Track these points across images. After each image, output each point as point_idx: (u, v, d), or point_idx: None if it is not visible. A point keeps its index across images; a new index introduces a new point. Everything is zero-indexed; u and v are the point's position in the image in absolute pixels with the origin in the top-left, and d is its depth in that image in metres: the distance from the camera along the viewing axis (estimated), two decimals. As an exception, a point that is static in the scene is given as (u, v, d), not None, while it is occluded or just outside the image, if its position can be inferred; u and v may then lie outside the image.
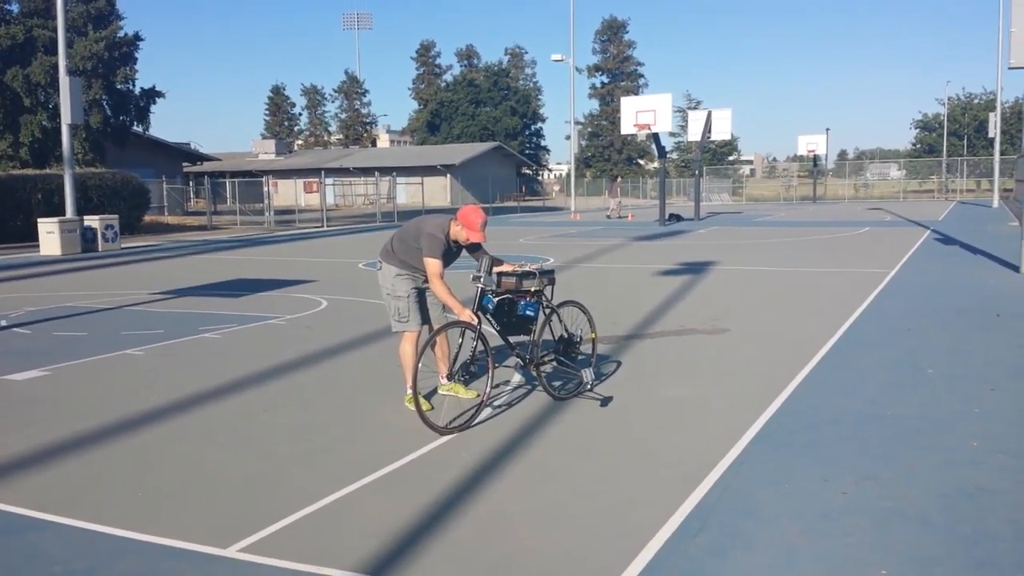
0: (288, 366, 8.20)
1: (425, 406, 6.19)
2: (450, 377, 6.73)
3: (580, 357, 7.07)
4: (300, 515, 4.51)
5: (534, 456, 5.46)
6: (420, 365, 6.03)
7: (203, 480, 5.10)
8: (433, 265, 6.28)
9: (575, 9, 50.76)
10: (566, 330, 6.96)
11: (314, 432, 6.06)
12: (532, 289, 6.59)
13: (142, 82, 65.64)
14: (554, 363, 6.92)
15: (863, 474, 5.02)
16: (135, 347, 9.21)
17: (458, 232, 6.42)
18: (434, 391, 6.92)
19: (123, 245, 25.08)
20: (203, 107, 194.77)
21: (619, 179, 46.86)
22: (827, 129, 60.85)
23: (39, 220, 23.45)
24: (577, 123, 79.91)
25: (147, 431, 6.13)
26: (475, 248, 6.54)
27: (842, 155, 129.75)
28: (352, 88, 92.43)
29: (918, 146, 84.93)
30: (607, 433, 5.96)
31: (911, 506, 4.54)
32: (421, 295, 6.65)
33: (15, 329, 10.58)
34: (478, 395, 6.61)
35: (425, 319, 6.71)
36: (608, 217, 39.29)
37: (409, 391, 6.49)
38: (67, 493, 4.91)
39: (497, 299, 6.49)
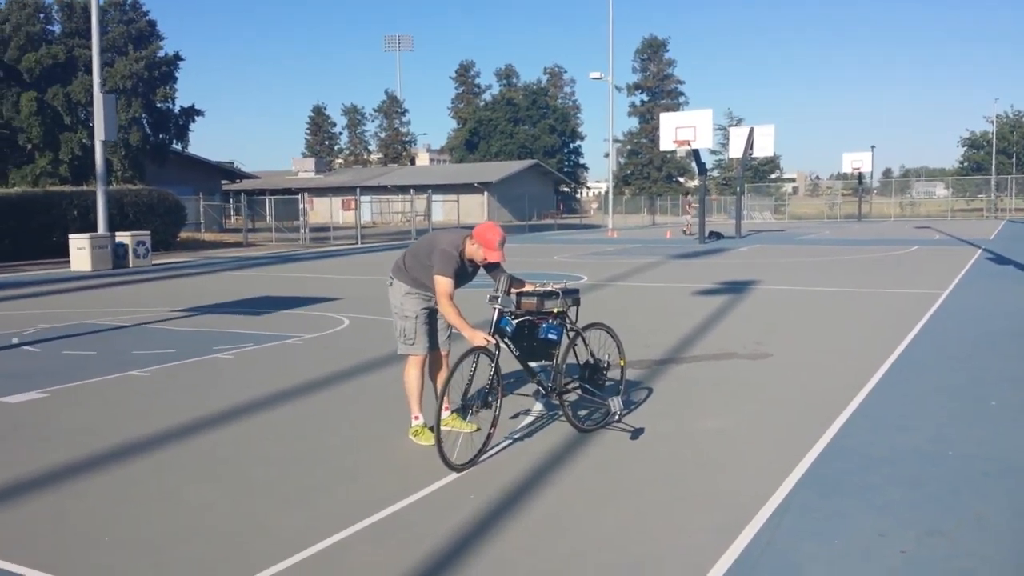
0: (296, 390, 7.70)
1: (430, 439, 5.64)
2: (466, 407, 6.09)
3: (607, 384, 6.49)
4: (286, 564, 3.99)
5: (552, 499, 4.88)
6: (422, 392, 5.48)
7: (184, 521, 4.59)
8: (443, 283, 5.74)
9: (614, 28, 50.29)
10: (592, 355, 6.38)
11: (314, 466, 5.54)
12: (554, 310, 6.03)
13: (183, 101, 66.23)
14: (579, 391, 6.34)
15: (926, 527, 4.38)
16: (143, 367, 8.79)
17: (474, 251, 5.87)
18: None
19: (155, 261, 24.94)
20: (246, 126, 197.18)
21: (689, 195, 45.87)
22: (872, 147, 59.81)
23: (70, 236, 23.38)
24: (616, 141, 79.44)
25: (133, 462, 5.65)
26: (493, 267, 5.99)
27: (887, 173, 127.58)
28: (392, 108, 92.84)
29: (965, 164, 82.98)
30: (635, 472, 5.36)
31: (985, 568, 3.89)
32: (431, 317, 6.11)
33: (25, 347, 10.23)
34: (478, 428, 6.02)
35: (433, 344, 6.17)
36: (684, 233, 38.69)
37: (414, 422, 5.98)
38: (26, 534, 4.42)
39: (516, 321, 5.92)
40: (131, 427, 6.48)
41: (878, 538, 4.25)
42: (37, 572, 3.95)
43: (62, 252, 24.06)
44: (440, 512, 4.67)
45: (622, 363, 6.80)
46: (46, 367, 9.00)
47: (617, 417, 6.14)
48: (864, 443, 5.87)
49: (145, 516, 4.67)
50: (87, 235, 23.14)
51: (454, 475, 5.26)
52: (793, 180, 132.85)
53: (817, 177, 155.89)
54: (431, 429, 5.62)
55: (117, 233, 24.19)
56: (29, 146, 35.84)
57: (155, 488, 5.13)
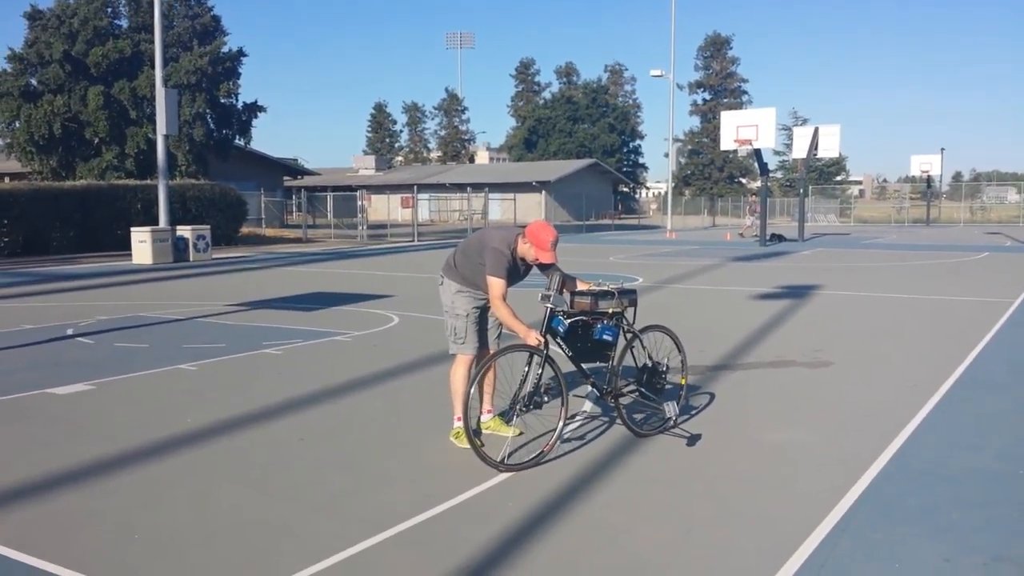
0: (340, 388, 7.60)
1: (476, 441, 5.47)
2: (511, 409, 5.92)
3: (667, 388, 6.24)
4: (311, 571, 3.85)
5: (594, 511, 4.67)
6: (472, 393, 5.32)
7: (212, 523, 4.48)
8: (497, 285, 5.57)
9: (677, 25, 49.70)
10: (650, 358, 6.15)
11: (349, 469, 5.40)
12: (610, 311, 5.83)
13: (246, 96, 67.02)
14: (635, 395, 6.12)
15: (994, 553, 4.07)
16: (191, 361, 8.78)
17: (526, 250, 5.70)
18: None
19: (215, 256, 25.23)
20: (309, 123, 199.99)
21: (754, 197, 44.81)
22: (942, 149, 58.11)
23: (132, 229, 23.75)
24: (677, 140, 78.42)
25: (169, 459, 5.58)
26: (547, 266, 5.80)
27: (957, 177, 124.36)
28: (452, 105, 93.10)
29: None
30: (686, 485, 5.12)
31: (1062, 603, 3.58)
32: (483, 315, 5.95)
33: (79, 339, 10.32)
34: (521, 432, 5.85)
35: (483, 343, 6.01)
36: (741, 236, 37.96)
37: (456, 424, 5.80)
38: (57, 531, 4.35)
39: (569, 321, 5.73)
40: (170, 423, 6.42)
41: (943, 563, 3.96)
42: (67, 571, 3.87)
43: (125, 245, 24.48)
44: (475, 520, 4.49)
45: (683, 381, 6.58)
46: (97, 359, 9.05)
47: (673, 423, 5.93)
48: (928, 461, 5.54)
49: (175, 516, 4.57)
50: (148, 228, 23.49)
51: (492, 481, 5.07)
52: (859, 183, 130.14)
53: (884, 180, 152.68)
54: (475, 431, 5.45)
55: (178, 227, 24.52)
56: (96, 140, 36.60)
57: (188, 487, 5.03)
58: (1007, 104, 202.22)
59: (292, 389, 7.55)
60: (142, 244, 23.01)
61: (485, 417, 6.06)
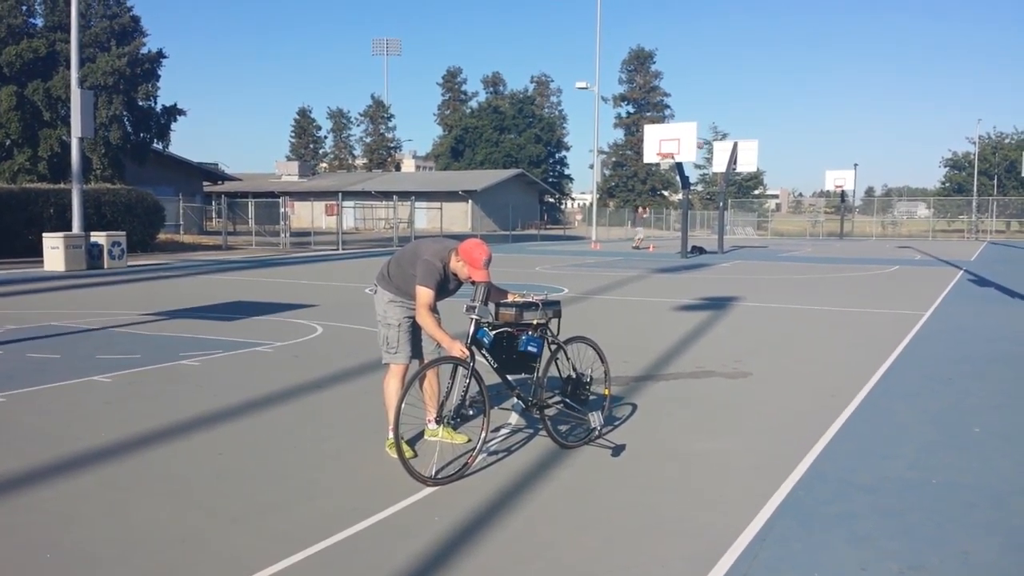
0: (262, 401, 7.44)
1: (408, 453, 5.43)
2: (439, 420, 5.94)
3: (591, 399, 6.28)
4: (231, 591, 3.75)
5: (522, 522, 4.66)
6: (405, 405, 5.26)
7: (127, 540, 4.33)
8: (424, 295, 5.57)
9: (602, 38, 50.30)
10: (574, 369, 6.19)
11: (270, 483, 5.29)
12: (534, 322, 5.84)
13: (165, 99, 65.05)
14: (560, 406, 6.15)
15: (909, 561, 4.19)
16: (105, 373, 8.50)
17: (459, 268, 5.71)
18: (421, 435, 6.16)
19: (131, 263, 24.55)
20: (230, 127, 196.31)
21: (639, 208, 46.09)
22: (855, 165, 59.91)
23: (44, 235, 22.95)
24: (601, 152, 79.47)
25: (84, 474, 5.39)
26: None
27: (869, 192, 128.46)
28: (378, 112, 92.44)
29: (947, 185, 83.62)
30: (611, 495, 5.15)
31: (972, 608, 3.71)
32: (415, 325, 5.93)
33: (-14, 349, 9.92)
34: (470, 439, 5.88)
35: (417, 353, 5.98)
36: (634, 248, 38.57)
37: (391, 434, 5.74)
38: (-38, 553, 4.16)
39: (494, 332, 5.73)
40: (84, 436, 6.21)
41: (859, 572, 4.05)
42: (-35, 594, 3.70)
43: (37, 251, 23.62)
44: (400, 535, 4.44)
45: (607, 392, 6.62)
46: (7, 370, 8.70)
47: (598, 433, 5.97)
48: (845, 469, 5.68)
49: (90, 533, 4.42)
50: (61, 234, 22.73)
51: (419, 495, 5.03)
52: (776, 197, 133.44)
53: (800, 194, 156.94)
54: (409, 443, 5.41)
55: (92, 233, 23.78)
56: (8, 142, 35.32)
57: (103, 503, 4.86)
58: (917, 122, 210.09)
59: (212, 401, 7.37)
60: (54, 250, 22.26)
61: (433, 425, 6.03)
